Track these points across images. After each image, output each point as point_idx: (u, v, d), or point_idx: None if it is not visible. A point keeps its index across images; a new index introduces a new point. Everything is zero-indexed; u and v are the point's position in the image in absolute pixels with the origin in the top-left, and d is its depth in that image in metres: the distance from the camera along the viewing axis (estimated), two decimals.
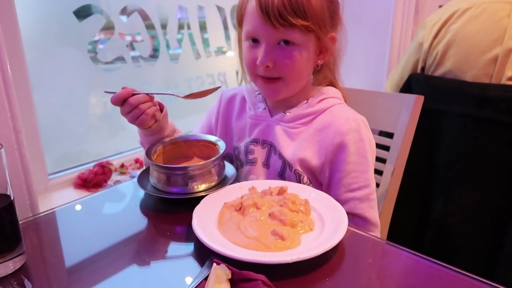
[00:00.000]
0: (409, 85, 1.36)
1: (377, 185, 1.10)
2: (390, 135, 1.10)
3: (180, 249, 0.64)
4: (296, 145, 0.83)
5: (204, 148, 0.84)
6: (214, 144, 0.82)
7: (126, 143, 1.48)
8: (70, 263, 0.60)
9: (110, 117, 1.48)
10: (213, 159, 0.74)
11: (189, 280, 0.53)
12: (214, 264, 0.50)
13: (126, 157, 1.36)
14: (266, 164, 0.87)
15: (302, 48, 0.78)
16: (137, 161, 1.33)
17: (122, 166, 1.29)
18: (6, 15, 0.91)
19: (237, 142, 0.93)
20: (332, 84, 0.92)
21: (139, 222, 0.73)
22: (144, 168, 0.86)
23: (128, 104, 0.78)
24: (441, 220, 1.30)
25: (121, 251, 0.63)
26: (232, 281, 0.49)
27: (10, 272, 0.55)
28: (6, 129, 0.72)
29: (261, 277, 0.49)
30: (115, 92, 0.78)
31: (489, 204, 1.20)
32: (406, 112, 1.05)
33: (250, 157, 0.89)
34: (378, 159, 1.11)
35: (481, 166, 1.21)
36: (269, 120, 0.88)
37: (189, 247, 0.63)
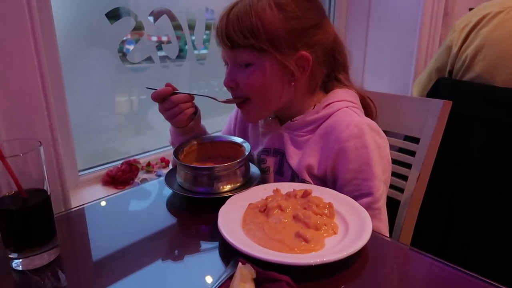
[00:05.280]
0: (436, 90, 1.34)
1: (402, 190, 1.09)
2: (416, 140, 1.08)
3: (204, 247, 0.66)
4: (302, 154, 0.83)
5: (230, 150, 0.85)
6: (239, 145, 0.84)
7: (152, 142, 1.51)
8: (98, 257, 0.63)
9: (137, 117, 1.52)
10: (238, 160, 0.76)
11: (211, 279, 0.55)
12: (240, 263, 0.51)
13: (152, 155, 1.39)
14: (279, 172, 0.88)
15: (261, 68, 0.78)
16: (162, 160, 1.36)
17: (149, 164, 1.32)
18: (43, 18, 0.95)
19: (252, 150, 0.94)
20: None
21: (165, 220, 0.75)
22: (171, 167, 0.88)
23: (169, 101, 0.81)
24: (466, 228, 1.27)
25: (147, 247, 0.65)
26: (256, 281, 0.50)
27: (45, 264, 0.58)
28: (43, 127, 0.76)
29: (286, 278, 0.50)
30: (156, 89, 0.81)
31: None
32: (433, 117, 1.04)
33: (263, 166, 0.89)
34: (403, 164, 1.10)
35: (509, 174, 1.18)
36: (278, 129, 0.88)
37: (214, 246, 0.64)
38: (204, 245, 0.66)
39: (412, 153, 1.08)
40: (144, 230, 0.70)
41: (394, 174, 1.06)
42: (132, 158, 1.30)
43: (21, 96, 0.72)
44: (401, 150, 1.12)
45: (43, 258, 0.58)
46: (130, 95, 1.49)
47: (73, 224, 0.77)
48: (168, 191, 0.82)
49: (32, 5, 0.72)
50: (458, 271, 0.58)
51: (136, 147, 1.47)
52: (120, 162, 1.29)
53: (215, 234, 0.65)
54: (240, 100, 0.84)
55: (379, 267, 0.60)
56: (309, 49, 0.80)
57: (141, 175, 1.27)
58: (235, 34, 0.76)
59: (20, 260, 0.57)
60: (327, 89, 0.88)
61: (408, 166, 1.09)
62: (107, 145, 1.41)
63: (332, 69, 0.87)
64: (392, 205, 1.01)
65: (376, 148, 0.78)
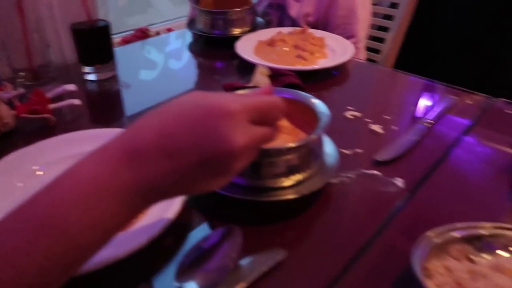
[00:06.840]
0: None
1: (377, 51, 1.28)
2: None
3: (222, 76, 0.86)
4: (301, 5, 1.00)
5: (240, 3, 0.99)
6: None
7: (153, 19, 1.63)
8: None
9: None
10: (247, 7, 0.93)
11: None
12: (258, 64, 0.71)
13: (159, 27, 1.53)
14: (281, 25, 1.06)
15: None
16: (169, 30, 1.49)
17: (158, 33, 1.46)
18: None
19: (257, 5, 1.10)
20: None
21: (189, 60, 0.94)
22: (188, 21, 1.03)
23: None
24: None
25: (177, 78, 0.84)
26: (271, 77, 0.71)
27: (108, 77, 0.77)
28: None
29: (292, 73, 0.70)
30: None
31: None
32: None
33: (267, 19, 1.08)
34: (382, 28, 1.28)
35: None
36: None
37: (230, 77, 0.83)
38: (221, 76, 0.86)
39: (391, 18, 1.25)
40: (173, 66, 0.89)
41: (372, 38, 1.25)
42: (144, 27, 1.43)
43: None
44: (385, 17, 1.28)
45: (107, 73, 0.77)
46: None
47: None
48: (183, 42, 1.00)
49: None
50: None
51: (141, 22, 1.59)
52: (131, 32, 1.43)
53: (229, 68, 0.85)
54: None
55: (361, 82, 0.82)
56: None
57: None
58: None
59: (94, 73, 0.76)
60: None
61: (386, 29, 1.26)
62: (116, 20, 1.53)
63: None
64: None
65: (361, 0, 0.97)
